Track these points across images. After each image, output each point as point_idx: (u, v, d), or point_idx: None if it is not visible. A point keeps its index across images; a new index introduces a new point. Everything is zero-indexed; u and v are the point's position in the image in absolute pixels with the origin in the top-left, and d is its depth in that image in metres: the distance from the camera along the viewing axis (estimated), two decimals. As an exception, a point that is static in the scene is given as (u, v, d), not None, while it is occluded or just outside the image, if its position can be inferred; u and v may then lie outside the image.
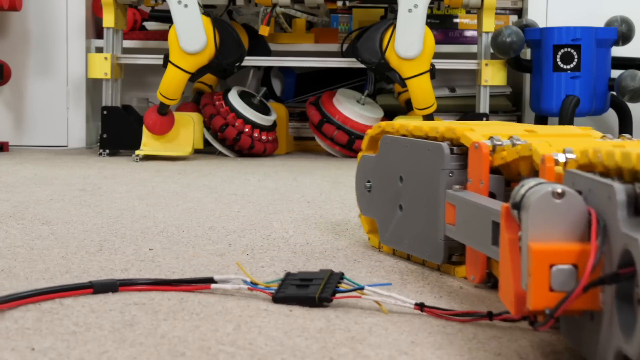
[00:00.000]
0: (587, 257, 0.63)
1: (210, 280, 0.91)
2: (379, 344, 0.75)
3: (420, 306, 0.83)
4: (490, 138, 0.94)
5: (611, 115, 2.80)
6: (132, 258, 1.11)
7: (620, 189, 0.61)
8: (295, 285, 0.88)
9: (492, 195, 0.95)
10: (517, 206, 0.67)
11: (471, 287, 0.97)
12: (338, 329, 0.79)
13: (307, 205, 1.62)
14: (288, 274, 0.92)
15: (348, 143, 2.68)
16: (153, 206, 1.58)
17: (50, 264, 1.06)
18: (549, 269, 0.63)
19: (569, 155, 0.76)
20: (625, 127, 2.69)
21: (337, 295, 0.86)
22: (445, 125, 1.04)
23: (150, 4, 2.72)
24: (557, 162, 0.76)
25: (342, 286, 0.87)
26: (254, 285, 0.89)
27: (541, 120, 2.72)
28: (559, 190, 0.64)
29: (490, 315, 0.78)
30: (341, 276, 0.89)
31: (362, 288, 0.86)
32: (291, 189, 1.87)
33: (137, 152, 2.52)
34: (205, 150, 2.76)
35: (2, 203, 1.59)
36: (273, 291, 0.88)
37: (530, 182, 0.68)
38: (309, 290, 0.86)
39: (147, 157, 2.56)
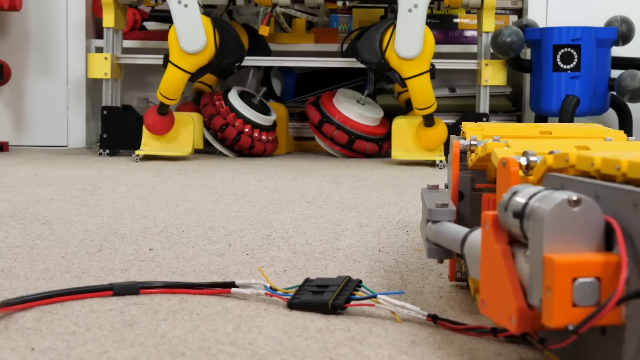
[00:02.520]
0: (611, 268, 0.59)
1: (232, 285, 0.91)
2: (379, 344, 0.75)
3: (433, 318, 0.81)
4: (470, 138, 0.94)
5: (611, 115, 2.80)
6: (132, 258, 1.11)
7: None
8: (311, 292, 0.87)
9: (461, 194, 0.96)
10: (520, 215, 0.63)
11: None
12: (338, 329, 0.79)
13: (307, 205, 1.62)
14: (307, 280, 0.91)
15: (348, 143, 2.68)
16: (153, 206, 1.58)
17: (50, 264, 1.06)
18: (571, 282, 0.59)
19: (532, 158, 0.72)
20: (625, 127, 2.69)
21: (351, 302, 0.85)
22: (480, 126, 1.02)
23: (150, 4, 2.72)
24: (520, 166, 0.73)
25: (358, 294, 0.86)
26: (272, 291, 0.89)
27: (541, 120, 2.72)
28: (575, 198, 0.60)
29: (494, 332, 0.77)
30: (358, 283, 0.88)
31: (375, 296, 0.84)
32: (291, 189, 1.87)
33: (137, 152, 2.52)
34: (205, 150, 2.76)
35: (2, 203, 1.59)
36: (290, 297, 0.87)
37: (528, 190, 0.65)
38: (323, 296, 0.85)
39: (147, 157, 2.56)
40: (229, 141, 2.64)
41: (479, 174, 0.97)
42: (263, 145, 2.66)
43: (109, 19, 2.63)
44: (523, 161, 0.73)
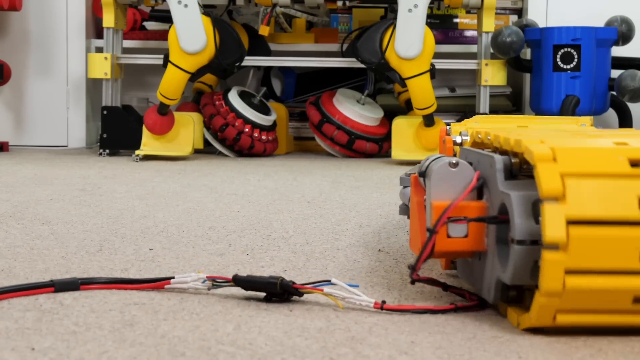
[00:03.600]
0: (475, 211, 0.83)
1: (171, 279, 0.93)
2: (379, 344, 0.75)
3: (381, 304, 0.85)
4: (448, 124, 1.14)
5: (611, 115, 2.80)
6: (132, 258, 1.11)
7: (499, 160, 0.81)
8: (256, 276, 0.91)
9: None
10: (423, 175, 0.87)
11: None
12: (338, 329, 0.79)
13: (307, 205, 1.62)
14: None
15: (348, 143, 2.68)
16: (153, 206, 1.58)
17: (50, 264, 1.06)
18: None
19: (464, 138, 0.99)
20: (625, 127, 2.69)
21: (303, 285, 0.88)
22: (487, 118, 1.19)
23: (150, 4, 2.72)
24: (455, 142, 1.00)
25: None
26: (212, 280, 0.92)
27: (541, 120, 2.72)
28: (454, 162, 0.83)
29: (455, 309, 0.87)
30: (292, 282, 0.89)
31: (329, 281, 0.89)
32: (291, 189, 1.87)
33: (137, 152, 2.52)
34: (205, 150, 2.76)
35: (2, 203, 1.59)
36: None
37: (433, 156, 0.88)
38: (269, 278, 0.88)
39: (147, 157, 2.56)
40: (229, 141, 2.64)
41: None
42: (263, 145, 2.66)
43: (109, 19, 2.63)
44: (458, 139, 1.00)
